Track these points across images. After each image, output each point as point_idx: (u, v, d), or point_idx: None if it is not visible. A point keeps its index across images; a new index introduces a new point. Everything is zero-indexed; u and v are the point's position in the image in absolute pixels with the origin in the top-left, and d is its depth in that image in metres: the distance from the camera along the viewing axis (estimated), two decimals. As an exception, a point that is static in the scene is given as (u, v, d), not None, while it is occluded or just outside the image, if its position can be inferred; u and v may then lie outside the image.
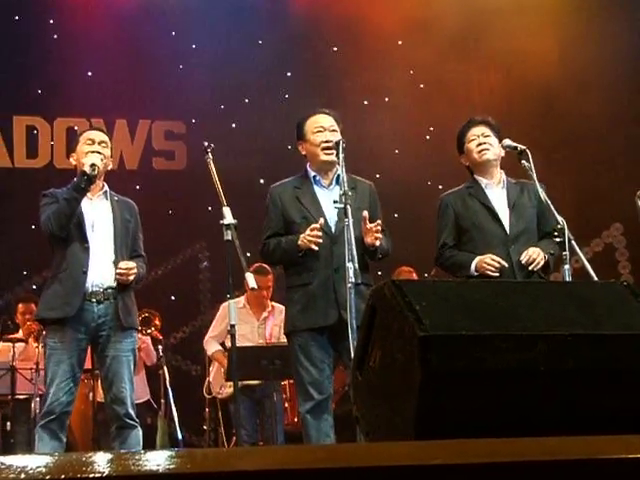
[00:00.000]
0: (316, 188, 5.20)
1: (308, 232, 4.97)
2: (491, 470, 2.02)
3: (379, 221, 5.02)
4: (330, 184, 5.19)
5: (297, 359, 5.04)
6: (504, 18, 9.72)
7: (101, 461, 1.88)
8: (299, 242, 4.99)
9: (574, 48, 9.87)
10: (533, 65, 9.84)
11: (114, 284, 5.21)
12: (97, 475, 1.80)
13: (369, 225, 4.96)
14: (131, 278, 5.24)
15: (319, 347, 5.02)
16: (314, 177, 5.21)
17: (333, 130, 5.18)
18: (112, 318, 5.19)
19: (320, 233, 4.94)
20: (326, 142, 5.11)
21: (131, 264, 5.25)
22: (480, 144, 5.28)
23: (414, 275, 8.25)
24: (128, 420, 5.19)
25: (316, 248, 4.94)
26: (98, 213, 5.34)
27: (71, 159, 5.47)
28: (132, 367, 5.30)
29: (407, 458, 2.00)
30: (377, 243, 5.00)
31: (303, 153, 5.28)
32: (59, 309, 5.15)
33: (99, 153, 5.28)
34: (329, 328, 4.98)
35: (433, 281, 4.48)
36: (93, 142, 5.38)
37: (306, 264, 5.04)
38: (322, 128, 5.18)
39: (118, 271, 5.20)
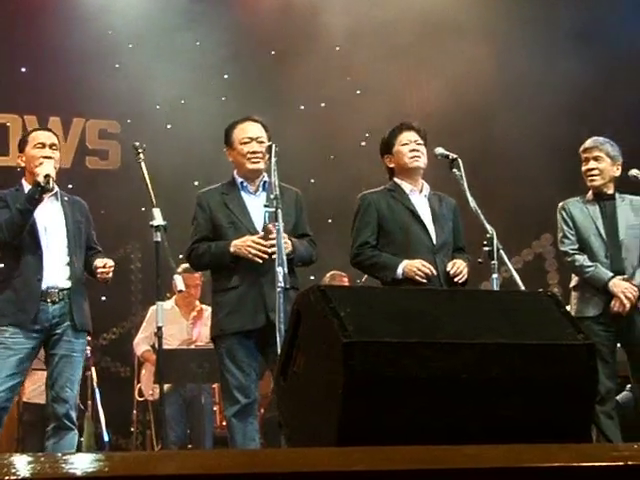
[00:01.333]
0: (243, 194, 5.22)
1: (250, 243, 4.97)
2: (412, 477, 2.02)
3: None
4: (257, 190, 5.21)
5: (223, 363, 5.03)
6: (443, 28, 9.79)
7: (19, 463, 1.86)
8: (232, 249, 4.98)
9: (511, 62, 9.98)
10: (471, 76, 9.91)
11: (68, 285, 5.16)
12: (13, 477, 1.78)
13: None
14: (111, 275, 5.22)
15: (246, 351, 5.01)
16: (241, 183, 5.23)
17: (260, 141, 5.19)
18: (66, 319, 5.15)
19: (266, 249, 4.94)
20: (252, 153, 5.14)
21: (109, 262, 5.23)
22: (413, 150, 5.30)
23: (345, 280, 8.24)
24: (66, 421, 5.12)
25: (260, 261, 4.95)
26: (50, 215, 5.26)
27: (19, 160, 5.38)
28: (80, 369, 5.26)
29: (328, 464, 2.00)
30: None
31: (230, 159, 5.29)
32: (12, 316, 5.09)
33: (50, 158, 5.21)
34: (257, 332, 4.97)
35: (359, 287, 4.51)
36: (44, 146, 5.30)
37: (234, 268, 5.03)
38: (249, 139, 5.20)
39: (100, 270, 5.17)
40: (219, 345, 5.09)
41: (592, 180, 5.71)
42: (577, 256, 5.68)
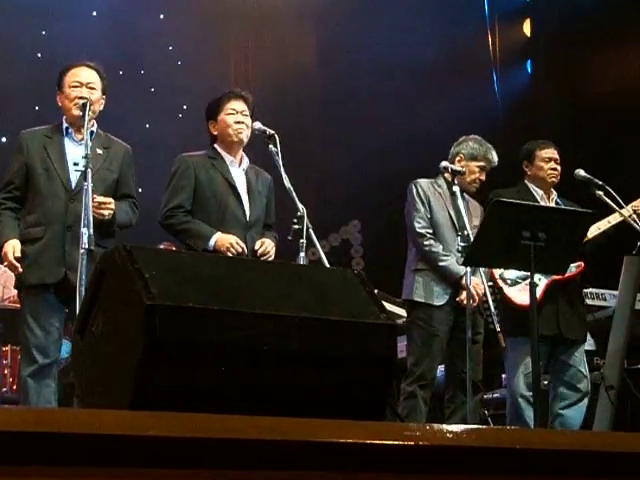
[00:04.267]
0: (66, 140, 5.04)
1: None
2: (203, 445, 1.99)
3: (101, 199, 4.91)
4: (83, 139, 5.01)
5: (25, 320, 4.85)
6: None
7: None
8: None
9: (333, 41, 10.12)
10: (296, 56, 9.98)
11: None
12: None
13: (98, 199, 4.85)
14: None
15: (49, 308, 4.83)
16: (66, 129, 5.06)
17: (91, 87, 5.04)
18: None
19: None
20: (80, 98, 4.97)
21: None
22: (238, 122, 5.24)
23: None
24: None
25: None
26: None
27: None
28: None
29: (120, 427, 1.94)
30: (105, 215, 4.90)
31: (60, 104, 5.11)
32: None
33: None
34: (57, 286, 4.82)
35: (167, 251, 4.43)
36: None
37: (38, 219, 4.87)
38: (79, 83, 5.03)
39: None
40: (23, 300, 4.92)
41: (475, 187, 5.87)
42: (433, 242, 5.69)
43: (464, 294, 5.54)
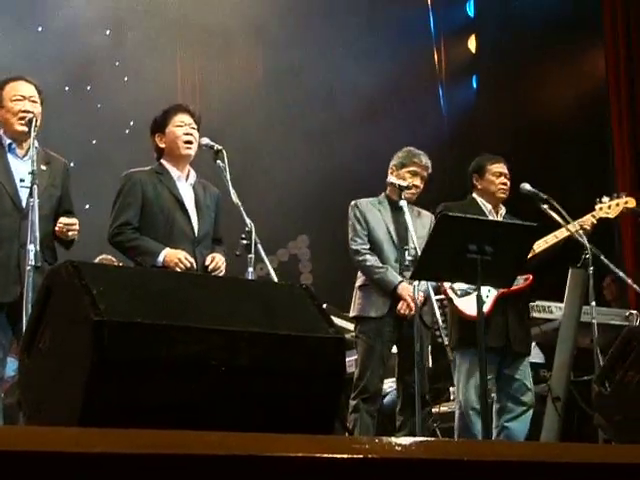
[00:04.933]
0: (10, 157, 4.99)
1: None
2: (152, 461, 1.98)
3: (67, 220, 4.90)
4: (25, 155, 4.98)
5: None
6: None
7: None
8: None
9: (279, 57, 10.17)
10: (239, 65, 10.00)
11: None
12: None
13: (64, 221, 4.85)
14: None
15: None
16: (9, 145, 5.01)
17: (33, 101, 5.01)
18: None
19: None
20: (25, 112, 4.93)
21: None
22: (187, 134, 5.23)
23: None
24: None
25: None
26: None
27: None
28: None
29: (66, 444, 1.92)
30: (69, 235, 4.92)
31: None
32: None
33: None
34: (8, 306, 4.76)
35: (113, 266, 4.41)
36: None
37: None
38: (22, 97, 4.99)
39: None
40: None
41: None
42: (368, 256, 5.83)
43: (401, 304, 5.65)
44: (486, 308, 5.50)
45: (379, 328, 5.75)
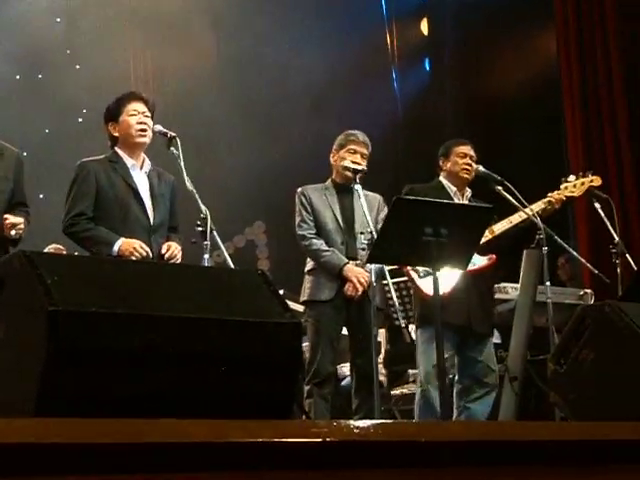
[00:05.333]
0: None
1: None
2: (110, 450, 1.98)
3: (13, 219, 4.88)
4: None
5: None
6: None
7: None
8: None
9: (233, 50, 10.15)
10: (192, 51, 9.97)
11: None
12: None
13: (10, 220, 4.83)
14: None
15: None
16: None
17: None
18: None
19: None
20: None
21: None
22: (141, 122, 5.20)
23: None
24: None
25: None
26: None
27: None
28: None
29: (22, 435, 1.91)
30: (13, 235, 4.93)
31: None
32: None
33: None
34: None
35: (67, 255, 4.39)
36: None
37: None
38: None
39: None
40: None
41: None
42: (314, 240, 5.86)
43: (347, 285, 5.72)
44: (449, 287, 5.57)
45: (328, 311, 5.77)
